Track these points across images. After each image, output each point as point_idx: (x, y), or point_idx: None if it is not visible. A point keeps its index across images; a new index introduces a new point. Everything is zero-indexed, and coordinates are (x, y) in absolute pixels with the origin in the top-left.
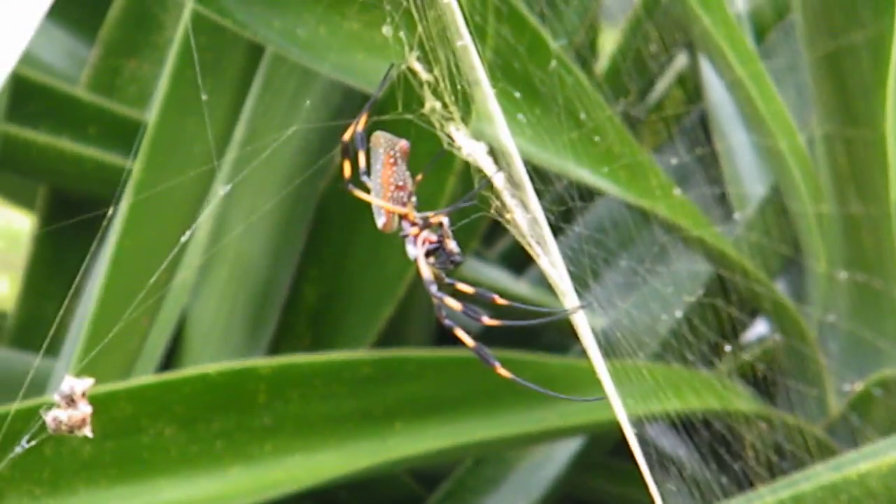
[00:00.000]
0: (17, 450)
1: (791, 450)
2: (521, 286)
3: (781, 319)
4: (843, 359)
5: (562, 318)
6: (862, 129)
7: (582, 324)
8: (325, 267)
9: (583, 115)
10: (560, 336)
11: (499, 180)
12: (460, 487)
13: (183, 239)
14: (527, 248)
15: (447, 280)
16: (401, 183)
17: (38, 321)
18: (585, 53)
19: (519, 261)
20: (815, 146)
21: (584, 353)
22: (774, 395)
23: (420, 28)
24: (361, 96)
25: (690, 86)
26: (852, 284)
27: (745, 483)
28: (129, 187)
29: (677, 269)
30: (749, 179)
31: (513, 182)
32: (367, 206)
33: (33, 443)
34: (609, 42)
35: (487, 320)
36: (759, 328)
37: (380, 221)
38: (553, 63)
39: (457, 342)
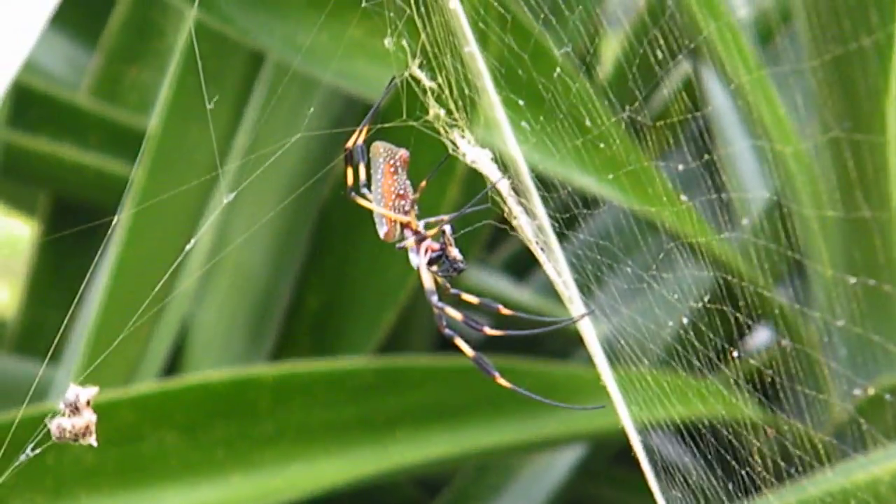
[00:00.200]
0: (22, 458)
1: (798, 455)
2: (523, 293)
3: (786, 325)
4: (850, 364)
5: (565, 327)
6: (867, 133)
7: (588, 331)
8: (326, 275)
9: (587, 123)
10: (563, 343)
11: (503, 186)
12: (462, 495)
13: (188, 247)
14: (536, 253)
15: (452, 290)
16: (402, 192)
17: (39, 328)
18: (589, 60)
19: (522, 268)
20: (819, 151)
21: (588, 360)
22: (780, 402)
23: (423, 36)
24: (363, 104)
25: (694, 93)
26: (858, 289)
27: (751, 489)
28: (131, 195)
29: (681, 275)
30: (753, 185)
31: (518, 189)
32: (369, 214)
33: (38, 451)
34: (612, 49)
35: (489, 331)
36: (763, 334)
37: (382, 230)
38: (557, 70)
39: (459, 350)
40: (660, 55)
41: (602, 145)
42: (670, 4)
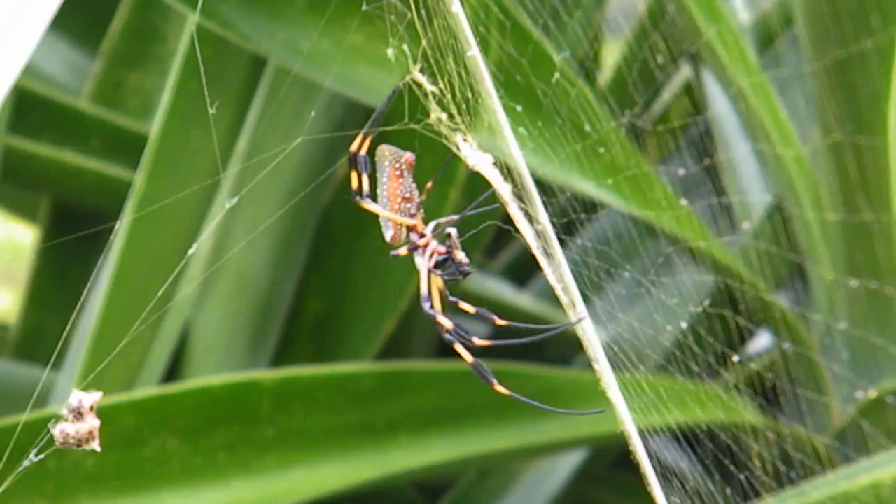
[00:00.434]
0: (25, 463)
1: (798, 459)
2: (523, 298)
3: (787, 329)
4: (852, 367)
5: (563, 332)
6: (869, 136)
7: (588, 335)
8: (327, 279)
9: (587, 128)
10: (563, 348)
11: (505, 191)
12: (464, 499)
13: (190, 252)
14: (537, 257)
15: (451, 298)
16: (407, 195)
17: (41, 333)
18: (589, 65)
19: (522, 273)
20: (819, 155)
21: (588, 365)
22: (781, 406)
23: (424, 42)
24: (364, 108)
25: (694, 97)
26: (858, 292)
27: (751, 494)
28: (132, 200)
29: (681, 280)
30: (753, 189)
31: (520, 194)
32: (370, 218)
33: (41, 456)
34: (612, 54)
35: (478, 341)
36: (764, 338)
37: (388, 234)
38: (556, 75)
39: (459, 355)
40: (660, 60)
41: (602, 150)
42: (670, 9)
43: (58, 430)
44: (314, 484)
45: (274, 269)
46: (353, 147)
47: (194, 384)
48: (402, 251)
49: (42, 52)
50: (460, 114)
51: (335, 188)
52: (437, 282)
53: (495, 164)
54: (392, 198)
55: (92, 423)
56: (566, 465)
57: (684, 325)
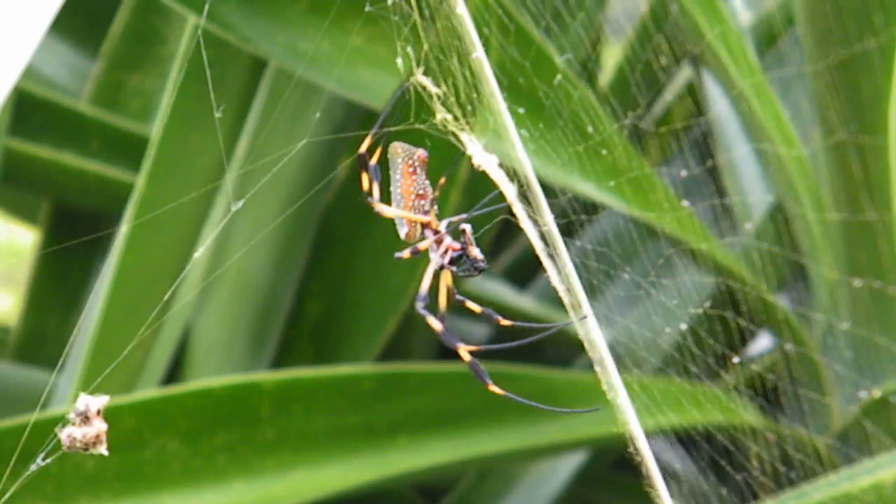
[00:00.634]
0: (33, 467)
1: (799, 460)
2: (524, 300)
3: (787, 330)
4: (854, 367)
5: (563, 333)
6: (870, 136)
7: (594, 334)
8: (327, 281)
9: (589, 129)
10: (564, 350)
11: (510, 192)
12: (464, 501)
13: (196, 255)
14: (541, 258)
15: (457, 297)
16: (421, 191)
17: (41, 335)
18: (590, 67)
19: (523, 275)
20: (819, 155)
21: (589, 366)
22: (782, 407)
23: (426, 44)
24: (364, 110)
25: (694, 99)
26: (859, 292)
27: (750, 495)
28: (133, 202)
29: (681, 281)
30: (754, 190)
31: (524, 195)
32: (370, 220)
33: (49, 460)
34: (613, 56)
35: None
36: (765, 339)
37: (402, 231)
38: (558, 77)
39: (460, 356)
40: (661, 61)
41: (604, 151)
42: (672, 10)
43: (65, 434)
44: (314, 485)
45: (274, 271)
46: (363, 149)
47: (195, 386)
48: (406, 254)
49: (42, 55)
50: (465, 115)
51: (336, 190)
52: (447, 279)
53: (501, 165)
54: (406, 195)
55: (99, 426)
56: (566, 466)
57: (685, 326)
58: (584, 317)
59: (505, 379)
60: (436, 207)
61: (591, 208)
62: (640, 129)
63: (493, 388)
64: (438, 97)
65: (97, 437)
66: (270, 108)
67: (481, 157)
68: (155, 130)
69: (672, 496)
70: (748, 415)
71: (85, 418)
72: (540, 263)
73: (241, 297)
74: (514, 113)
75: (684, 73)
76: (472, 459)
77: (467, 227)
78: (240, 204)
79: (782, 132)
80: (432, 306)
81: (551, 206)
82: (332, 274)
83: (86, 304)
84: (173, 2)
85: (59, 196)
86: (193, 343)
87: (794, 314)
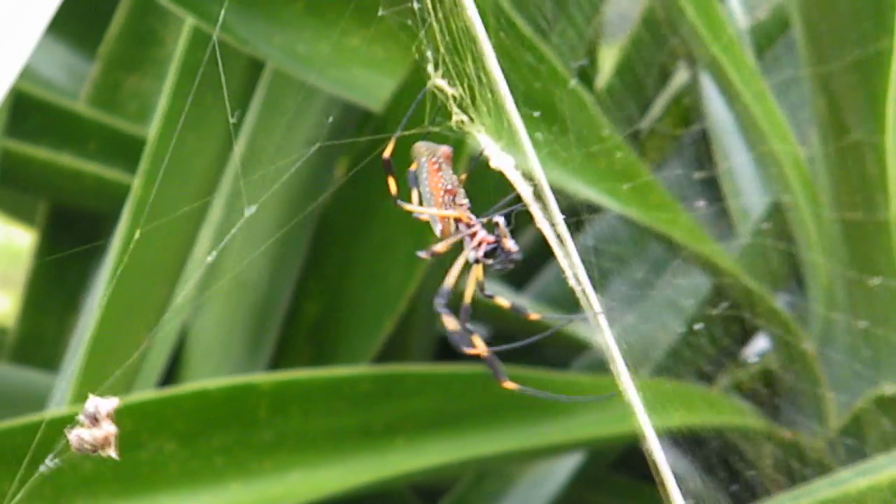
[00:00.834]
0: (42, 469)
1: (795, 462)
2: (522, 300)
3: (783, 332)
4: (848, 370)
5: (561, 335)
6: (866, 138)
7: (605, 332)
8: (325, 282)
9: (586, 133)
10: (562, 351)
11: (527, 193)
12: (462, 503)
13: (208, 260)
14: (558, 257)
15: (486, 293)
16: (450, 187)
17: (39, 337)
18: (587, 70)
19: (520, 275)
20: (816, 157)
21: (587, 367)
22: (778, 408)
23: (442, 47)
24: (361, 112)
25: (692, 101)
26: (857, 292)
27: (745, 497)
28: (130, 203)
29: (679, 283)
30: (751, 193)
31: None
32: (368, 221)
33: (57, 461)
34: (610, 59)
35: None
36: (762, 341)
37: (437, 228)
38: (553, 81)
39: (457, 357)
40: (658, 64)
41: (601, 155)
42: (668, 14)
43: (74, 436)
44: (312, 487)
45: (272, 272)
46: (386, 154)
47: (192, 387)
48: (424, 254)
49: (40, 56)
50: (479, 115)
51: (333, 191)
52: (478, 274)
53: (517, 166)
54: (435, 192)
55: (108, 429)
56: (564, 467)
57: (683, 327)
58: (600, 312)
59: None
60: (468, 201)
61: (594, 210)
62: (636, 131)
63: (508, 385)
64: (455, 98)
65: (106, 439)
66: (269, 109)
67: (498, 158)
68: (152, 131)
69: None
70: (746, 416)
71: (94, 420)
72: (541, 263)
73: (238, 298)
74: (523, 117)
75: (682, 75)
76: (469, 461)
77: (500, 220)
78: (253, 209)
79: (780, 134)
80: (452, 304)
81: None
82: (329, 275)
83: (83, 306)
84: (171, 3)
85: (57, 197)
86: (190, 344)
87: (791, 315)
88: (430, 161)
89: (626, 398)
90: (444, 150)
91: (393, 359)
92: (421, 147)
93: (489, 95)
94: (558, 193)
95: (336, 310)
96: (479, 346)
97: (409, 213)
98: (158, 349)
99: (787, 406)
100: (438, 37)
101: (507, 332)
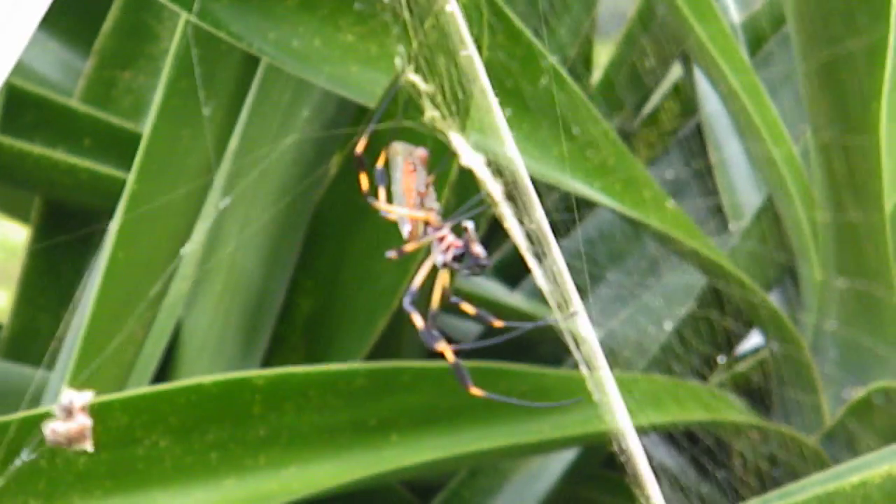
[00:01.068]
0: (17, 462)
1: (785, 460)
2: (515, 298)
3: (776, 329)
4: (840, 367)
5: (556, 331)
6: (859, 136)
7: (585, 332)
8: (319, 278)
9: (576, 129)
10: (556, 348)
11: (496, 192)
12: (455, 498)
13: (184, 250)
14: (526, 258)
15: (453, 298)
16: (422, 189)
17: (33, 332)
18: (579, 65)
19: (514, 272)
20: (810, 154)
21: (577, 365)
22: (770, 406)
23: (414, 43)
24: (356, 107)
25: (685, 97)
26: (848, 292)
27: (735, 495)
28: (124, 198)
29: (670, 281)
30: (744, 190)
31: (511, 194)
32: (362, 217)
33: (33, 456)
34: (603, 53)
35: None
36: (754, 339)
37: (405, 230)
38: (545, 77)
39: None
40: (651, 59)
41: (592, 151)
42: (661, 9)
43: (48, 429)
44: (306, 483)
45: (265, 268)
46: (359, 150)
47: (186, 383)
48: (395, 253)
49: (33, 51)
50: (451, 114)
51: (327, 187)
52: (444, 279)
53: (488, 163)
54: (407, 193)
55: (83, 422)
56: (558, 463)
57: (673, 325)
58: (575, 313)
59: (496, 376)
60: (438, 205)
61: (579, 207)
62: (629, 127)
63: (475, 391)
64: (427, 94)
65: (79, 432)
66: (262, 104)
67: (468, 156)
68: (146, 127)
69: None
70: (736, 414)
71: (69, 413)
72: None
73: (232, 294)
74: (504, 112)
75: (675, 71)
76: (463, 456)
77: (470, 225)
78: (227, 201)
79: (772, 131)
80: (421, 303)
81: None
82: (323, 271)
83: (78, 302)
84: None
85: (51, 193)
86: (184, 340)
87: (783, 313)
88: (406, 161)
89: (595, 400)
90: (421, 151)
91: (387, 355)
92: (397, 147)
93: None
94: (540, 193)
95: (330, 306)
96: (447, 353)
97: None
98: (152, 345)
99: (778, 403)
100: (412, 32)
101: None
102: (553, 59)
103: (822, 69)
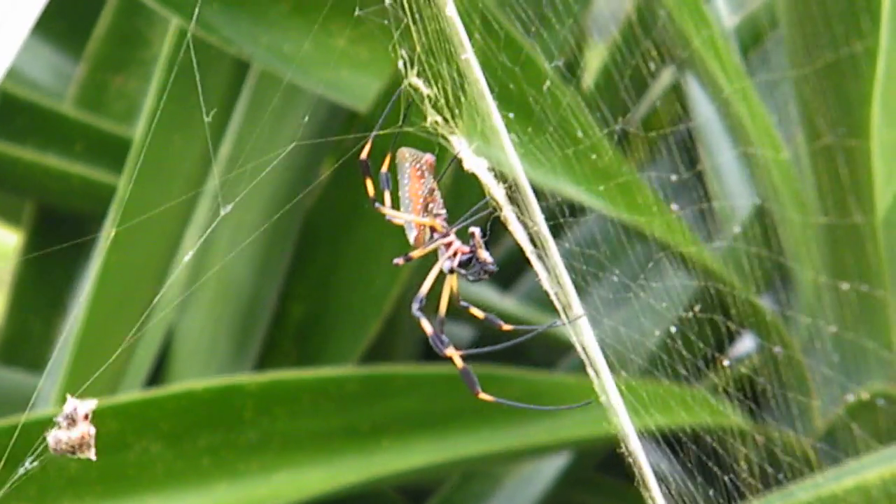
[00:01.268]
0: (21, 471)
1: (784, 462)
2: (508, 302)
3: (770, 332)
4: (838, 369)
5: (548, 335)
6: (851, 140)
7: (586, 335)
8: (311, 284)
9: (577, 133)
10: (549, 352)
11: (500, 196)
12: (448, 503)
13: (185, 258)
14: (531, 260)
15: (462, 303)
16: (428, 195)
17: (25, 337)
18: (574, 70)
19: (506, 276)
20: (803, 158)
21: (573, 368)
22: (767, 408)
23: (419, 46)
24: (347, 113)
25: (678, 102)
26: (841, 295)
27: (736, 496)
28: (116, 204)
29: (665, 284)
30: (737, 193)
31: (514, 198)
32: (354, 222)
33: (36, 464)
34: (597, 58)
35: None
36: (747, 342)
37: (411, 235)
38: (547, 83)
39: (443, 358)
40: (645, 64)
41: (589, 155)
42: (656, 13)
43: (52, 437)
44: (298, 488)
45: (258, 273)
46: (363, 155)
47: (178, 388)
48: (400, 261)
49: (26, 57)
50: (454, 118)
51: (319, 192)
52: (453, 284)
53: (491, 168)
54: (414, 199)
55: (86, 430)
56: (551, 468)
57: (670, 328)
58: (580, 317)
59: (490, 381)
60: (444, 211)
61: (578, 211)
62: (624, 131)
63: (483, 396)
64: (430, 99)
65: (83, 440)
66: (254, 109)
67: (471, 160)
68: (138, 132)
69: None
70: (734, 416)
71: (72, 421)
72: (526, 265)
73: (224, 299)
74: (503, 117)
75: (667, 76)
76: (456, 461)
77: (476, 230)
78: (229, 208)
79: (766, 135)
80: (427, 309)
81: (540, 208)
82: (315, 276)
83: (70, 306)
84: (157, 4)
85: (43, 198)
86: (177, 345)
87: (778, 316)
88: (413, 167)
89: (603, 403)
90: (428, 157)
91: (379, 360)
92: (405, 153)
93: (470, 93)
94: (540, 197)
95: (322, 311)
96: (455, 358)
97: (384, 215)
98: (145, 350)
99: (775, 405)
100: (416, 36)
101: (496, 333)
102: (549, 65)
103: (815, 74)
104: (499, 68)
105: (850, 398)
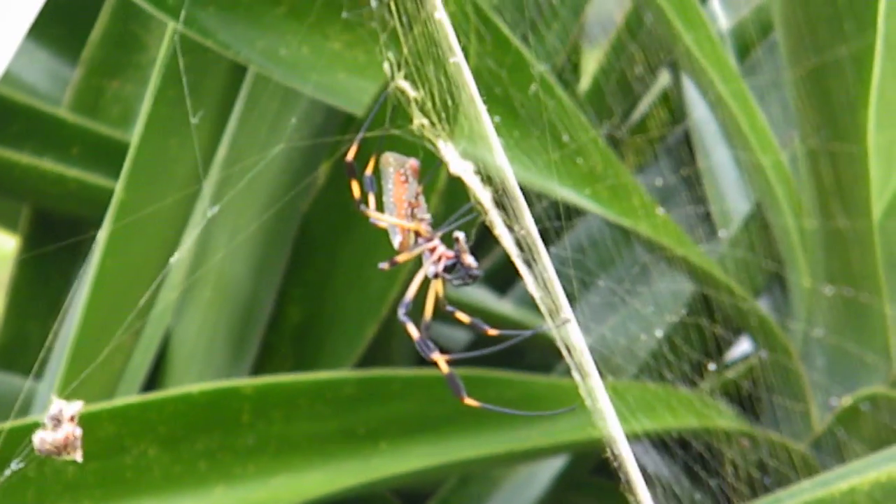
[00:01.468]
0: (7, 472)
1: (775, 467)
2: (504, 305)
3: (765, 336)
4: (829, 374)
5: (544, 338)
6: (847, 144)
7: (576, 339)
8: (308, 287)
9: (566, 137)
10: (545, 355)
11: (485, 199)
12: None
13: (172, 259)
14: (517, 265)
15: (448, 307)
16: (413, 200)
17: (22, 341)
18: (567, 74)
19: (503, 280)
20: (798, 162)
21: (566, 372)
22: (759, 413)
23: (405, 49)
24: (343, 115)
25: (673, 104)
26: (836, 299)
27: (724, 501)
28: (112, 208)
29: (659, 288)
30: (732, 197)
31: (502, 202)
32: (351, 225)
33: (22, 465)
34: (591, 62)
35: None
36: (743, 346)
37: (395, 240)
38: (534, 86)
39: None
40: (639, 67)
41: (580, 159)
42: (649, 17)
43: (37, 439)
44: (295, 491)
45: (254, 277)
46: (349, 157)
47: (175, 392)
48: (385, 265)
49: (22, 61)
50: (440, 121)
51: (315, 195)
52: (438, 288)
53: (477, 171)
54: (398, 203)
55: (72, 431)
56: (547, 471)
57: (662, 333)
58: (568, 321)
59: (485, 384)
60: (429, 216)
61: (568, 215)
62: (618, 134)
63: (469, 401)
64: (416, 101)
65: (70, 442)
66: (250, 113)
67: (457, 163)
68: (134, 136)
69: (656, 499)
70: (725, 420)
71: (57, 423)
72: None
73: (221, 303)
74: (491, 120)
75: (663, 78)
76: (453, 464)
77: (461, 235)
78: (214, 210)
79: (761, 138)
80: (415, 314)
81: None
82: (312, 279)
83: (67, 311)
84: (153, 8)
85: (40, 202)
86: (173, 349)
87: (771, 320)
88: (397, 172)
89: (588, 408)
90: (412, 162)
91: (376, 363)
92: (389, 158)
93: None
94: (529, 201)
95: (319, 314)
96: (441, 363)
97: (368, 217)
98: (141, 354)
99: (766, 410)
100: (403, 39)
101: (489, 336)
102: (542, 67)
103: (810, 76)
104: (486, 70)
105: (840, 403)
